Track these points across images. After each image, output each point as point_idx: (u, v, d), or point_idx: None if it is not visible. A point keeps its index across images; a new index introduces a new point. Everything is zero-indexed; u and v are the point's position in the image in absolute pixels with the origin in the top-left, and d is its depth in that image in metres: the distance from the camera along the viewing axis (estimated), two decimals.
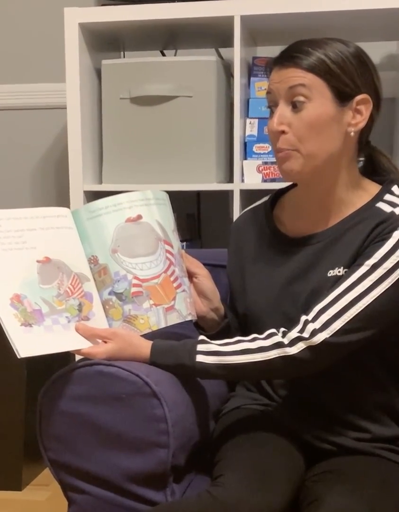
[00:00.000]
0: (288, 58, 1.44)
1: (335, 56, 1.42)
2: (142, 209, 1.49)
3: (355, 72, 1.44)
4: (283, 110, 1.45)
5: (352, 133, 1.46)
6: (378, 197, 1.49)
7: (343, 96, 1.43)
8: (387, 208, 1.46)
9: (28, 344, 1.33)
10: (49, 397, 1.41)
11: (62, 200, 2.73)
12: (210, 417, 1.59)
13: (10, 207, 1.45)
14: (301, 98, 1.42)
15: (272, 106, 1.48)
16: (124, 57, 2.69)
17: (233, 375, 1.48)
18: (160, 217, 1.51)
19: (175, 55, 2.66)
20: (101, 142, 2.43)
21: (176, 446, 1.38)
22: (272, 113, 1.49)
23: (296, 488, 1.40)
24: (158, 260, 1.48)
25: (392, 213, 1.44)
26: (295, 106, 1.43)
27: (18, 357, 1.31)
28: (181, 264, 1.54)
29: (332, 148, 1.45)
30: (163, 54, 2.66)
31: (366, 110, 1.45)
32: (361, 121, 1.46)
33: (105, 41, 2.50)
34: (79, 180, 2.37)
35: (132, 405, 1.37)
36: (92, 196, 2.37)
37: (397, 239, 1.40)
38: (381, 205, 1.47)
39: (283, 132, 1.44)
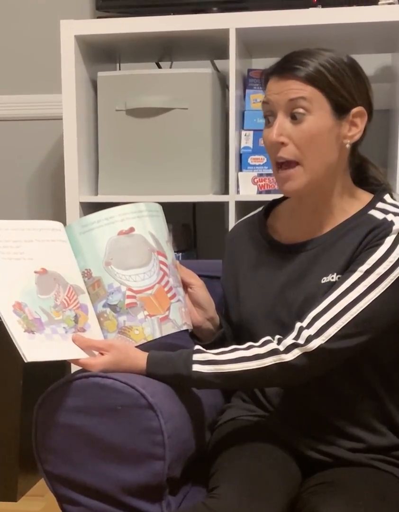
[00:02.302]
0: (286, 69, 1.45)
1: (334, 69, 1.43)
2: (135, 222, 1.50)
3: (352, 85, 1.45)
4: (283, 121, 1.45)
5: (347, 145, 1.48)
6: (371, 205, 1.51)
7: (340, 109, 1.45)
8: (379, 215, 1.47)
9: (34, 349, 1.34)
10: (45, 409, 1.41)
11: (58, 211, 2.73)
12: (206, 428, 1.59)
13: (6, 218, 1.46)
14: (301, 111, 1.43)
15: (269, 116, 1.49)
16: (120, 69, 2.70)
17: (229, 384, 1.48)
18: (153, 229, 1.52)
19: (170, 67, 2.68)
20: (97, 153, 2.44)
21: (172, 458, 1.38)
22: (268, 122, 1.49)
23: (292, 500, 1.40)
24: (151, 271, 1.49)
25: (384, 219, 1.45)
26: (295, 118, 1.44)
27: (25, 361, 1.31)
28: (176, 274, 1.55)
29: (330, 160, 1.46)
30: (159, 66, 2.67)
31: (361, 123, 1.47)
32: (356, 133, 1.48)
33: (101, 53, 2.51)
34: (75, 191, 2.37)
35: (128, 416, 1.37)
36: (88, 207, 2.38)
37: (389, 245, 1.42)
38: (373, 212, 1.49)
39: (282, 143, 1.45)
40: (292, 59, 1.46)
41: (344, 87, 1.44)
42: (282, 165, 1.47)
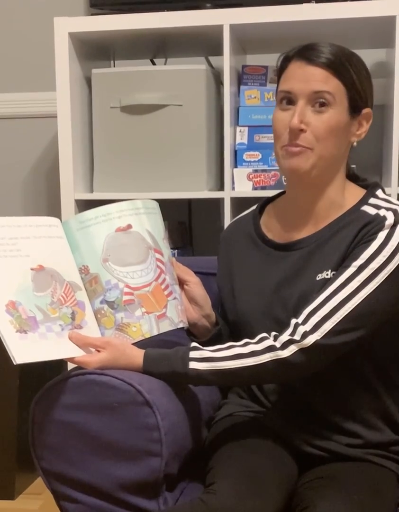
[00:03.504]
0: (315, 56, 1.45)
1: (356, 68, 1.47)
2: (132, 219, 1.50)
3: (367, 86, 1.50)
4: (304, 108, 1.46)
5: (354, 143, 1.52)
6: (363, 201, 1.52)
7: (355, 108, 1.48)
8: (372, 211, 1.48)
9: (24, 350, 1.33)
10: (41, 406, 1.42)
11: (53, 209, 2.73)
12: (203, 424, 1.60)
13: (1, 216, 1.46)
14: (325, 102, 1.45)
15: (286, 99, 1.48)
16: (114, 66, 2.70)
17: (226, 381, 1.49)
18: (150, 226, 1.52)
19: (165, 64, 2.67)
20: (92, 151, 2.43)
21: (168, 455, 1.38)
22: (282, 104, 1.49)
23: (288, 495, 1.40)
24: (148, 268, 1.49)
25: (377, 215, 1.46)
26: (317, 108, 1.45)
27: (14, 363, 1.31)
28: (172, 272, 1.55)
29: (338, 154, 1.49)
30: (153, 63, 2.67)
31: (367, 124, 1.52)
32: (362, 133, 1.52)
33: (95, 50, 2.50)
34: (70, 189, 2.37)
35: (125, 413, 1.37)
36: (84, 205, 2.37)
37: (382, 240, 1.43)
38: (366, 208, 1.50)
39: (301, 130, 1.46)
40: (319, 49, 1.46)
41: (362, 87, 1.48)
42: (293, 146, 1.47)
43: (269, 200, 1.67)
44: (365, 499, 1.34)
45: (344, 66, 1.45)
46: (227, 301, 1.64)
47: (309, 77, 1.45)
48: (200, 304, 1.60)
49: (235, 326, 1.62)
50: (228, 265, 1.65)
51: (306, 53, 1.47)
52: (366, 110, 1.50)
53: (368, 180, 1.59)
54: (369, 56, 2.56)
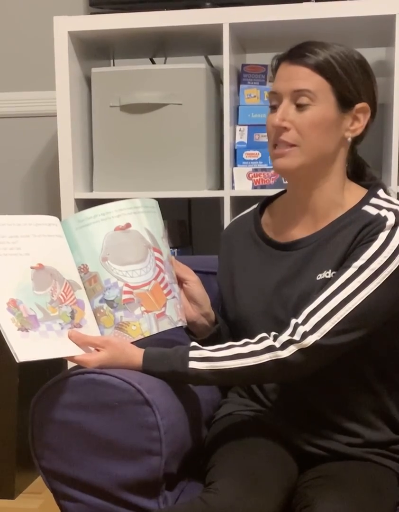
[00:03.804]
0: (297, 55, 1.47)
1: (343, 62, 1.46)
2: (131, 217, 1.50)
3: (359, 80, 1.48)
4: (287, 107, 1.47)
5: (349, 139, 1.50)
6: (365, 201, 1.51)
7: (345, 102, 1.47)
8: (373, 211, 1.48)
9: (26, 348, 1.33)
10: (41, 405, 1.41)
11: (53, 208, 2.73)
12: (203, 423, 1.59)
13: (1, 214, 1.45)
14: (306, 100, 1.45)
15: (275, 105, 1.50)
16: (114, 65, 2.70)
17: (226, 380, 1.48)
18: (149, 225, 1.52)
19: (164, 63, 2.67)
20: (92, 150, 2.43)
21: (168, 454, 1.38)
22: (273, 108, 1.51)
23: (288, 494, 1.40)
24: (148, 267, 1.49)
25: (378, 215, 1.46)
26: (299, 106, 1.46)
27: (17, 361, 1.31)
28: (171, 271, 1.55)
29: (327, 149, 1.48)
30: (153, 62, 2.67)
31: (364, 119, 1.50)
32: (358, 128, 1.50)
33: (94, 49, 2.50)
34: (70, 188, 2.37)
35: (125, 412, 1.37)
36: (83, 204, 2.37)
37: (383, 241, 1.42)
38: (367, 208, 1.49)
39: (285, 128, 1.46)
40: (304, 47, 1.48)
41: (351, 81, 1.46)
42: (281, 144, 1.48)
43: (270, 199, 1.67)
44: (365, 498, 1.34)
45: (327, 61, 1.45)
46: (227, 299, 1.64)
47: (292, 76, 1.47)
48: (199, 302, 1.60)
49: (235, 325, 1.62)
50: (229, 264, 1.65)
51: (290, 53, 1.49)
52: (360, 105, 1.48)
53: (376, 179, 1.58)
54: (369, 55, 2.54)
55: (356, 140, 1.54)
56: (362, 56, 1.50)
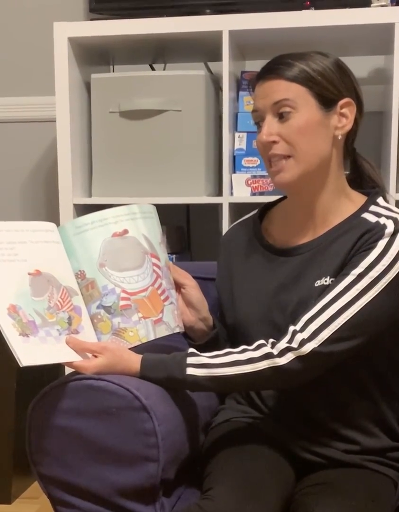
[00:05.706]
0: (271, 70, 1.48)
1: (315, 65, 1.47)
2: (128, 224, 1.50)
3: (336, 78, 1.48)
4: (271, 121, 1.48)
5: (339, 136, 1.50)
6: (364, 208, 1.51)
7: (327, 102, 1.47)
8: (372, 218, 1.48)
9: (28, 353, 1.34)
10: (38, 411, 1.41)
11: (52, 213, 2.73)
12: (200, 430, 1.59)
13: None
14: (287, 109, 1.46)
15: (259, 121, 1.51)
16: (113, 71, 2.70)
17: (223, 387, 1.48)
18: (146, 231, 1.52)
19: (164, 69, 2.67)
20: (91, 155, 2.43)
21: (165, 460, 1.38)
22: (259, 127, 1.52)
23: (286, 501, 1.40)
24: (145, 273, 1.49)
25: (377, 223, 1.46)
26: (282, 117, 1.46)
27: (21, 365, 1.31)
28: (168, 277, 1.55)
29: (322, 151, 1.48)
30: (152, 68, 2.67)
31: (351, 113, 1.50)
32: (347, 124, 1.50)
33: (94, 55, 2.50)
34: (68, 193, 2.37)
35: (122, 419, 1.37)
36: (82, 209, 2.37)
37: (382, 248, 1.42)
38: (366, 215, 1.49)
39: (274, 142, 1.47)
40: (275, 61, 1.50)
41: (327, 80, 1.47)
42: (274, 158, 1.48)
43: (270, 205, 1.67)
44: (362, 505, 1.34)
45: (299, 68, 1.46)
46: (226, 304, 1.64)
47: (267, 91, 1.48)
48: (197, 307, 1.60)
49: (233, 330, 1.62)
50: (228, 269, 1.65)
51: (262, 71, 1.50)
52: (343, 100, 1.48)
53: (376, 187, 1.58)
54: (367, 63, 2.58)
55: (349, 137, 1.53)
56: (336, 57, 1.51)
